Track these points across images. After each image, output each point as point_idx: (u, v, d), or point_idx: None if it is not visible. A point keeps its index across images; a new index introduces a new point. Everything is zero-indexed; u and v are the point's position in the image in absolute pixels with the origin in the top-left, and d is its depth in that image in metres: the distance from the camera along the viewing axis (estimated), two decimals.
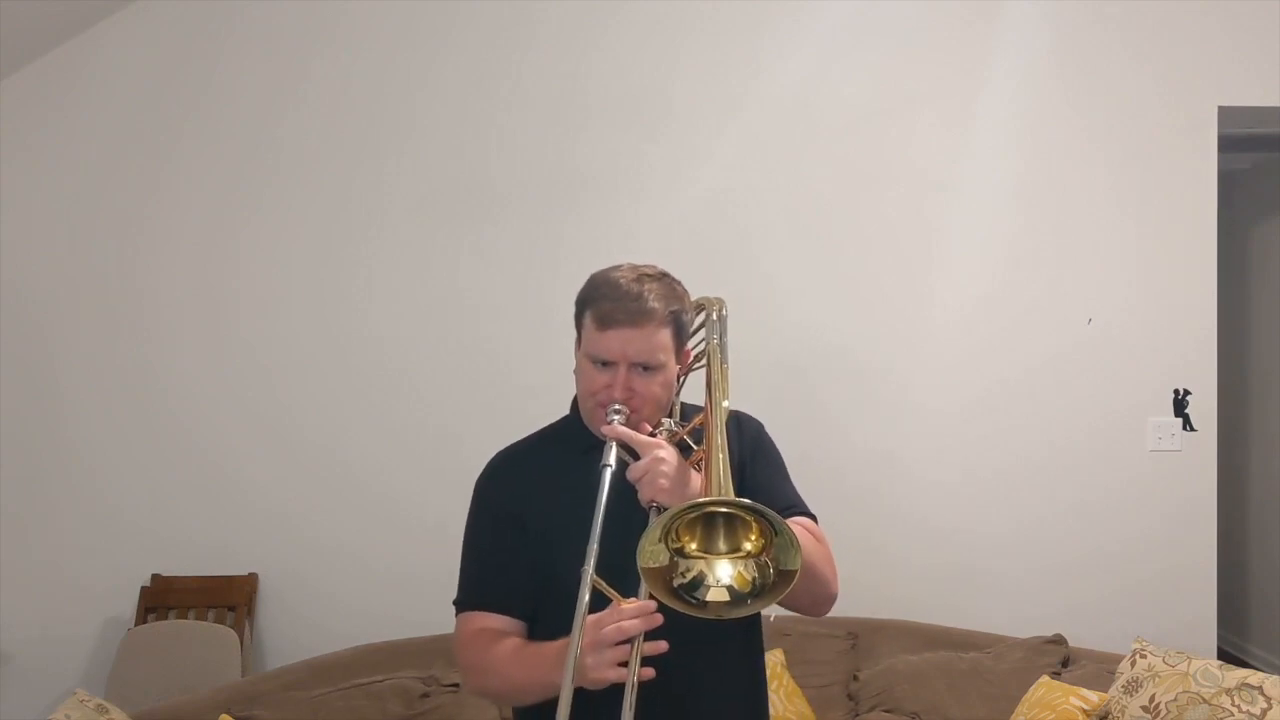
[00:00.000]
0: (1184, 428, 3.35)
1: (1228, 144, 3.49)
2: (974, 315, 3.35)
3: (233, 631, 3.08)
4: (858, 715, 2.92)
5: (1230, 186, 3.93)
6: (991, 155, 3.35)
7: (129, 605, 3.21)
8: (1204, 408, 3.35)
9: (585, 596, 1.27)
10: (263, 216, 3.30)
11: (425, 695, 2.76)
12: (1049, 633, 3.04)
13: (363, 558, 3.27)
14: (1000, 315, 3.35)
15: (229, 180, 3.29)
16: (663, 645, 1.27)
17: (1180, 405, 3.35)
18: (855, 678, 3.01)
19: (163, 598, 3.21)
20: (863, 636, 3.08)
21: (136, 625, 3.15)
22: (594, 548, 1.29)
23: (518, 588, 1.49)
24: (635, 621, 1.26)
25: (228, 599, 3.21)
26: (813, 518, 1.55)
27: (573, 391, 1.62)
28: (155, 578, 3.23)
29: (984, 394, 3.34)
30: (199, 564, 3.24)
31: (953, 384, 3.34)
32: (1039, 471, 3.34)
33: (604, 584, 1.28)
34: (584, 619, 1.26)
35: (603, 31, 3.33)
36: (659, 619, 1.26)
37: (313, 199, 3.30)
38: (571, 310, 1.55)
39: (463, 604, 1.54)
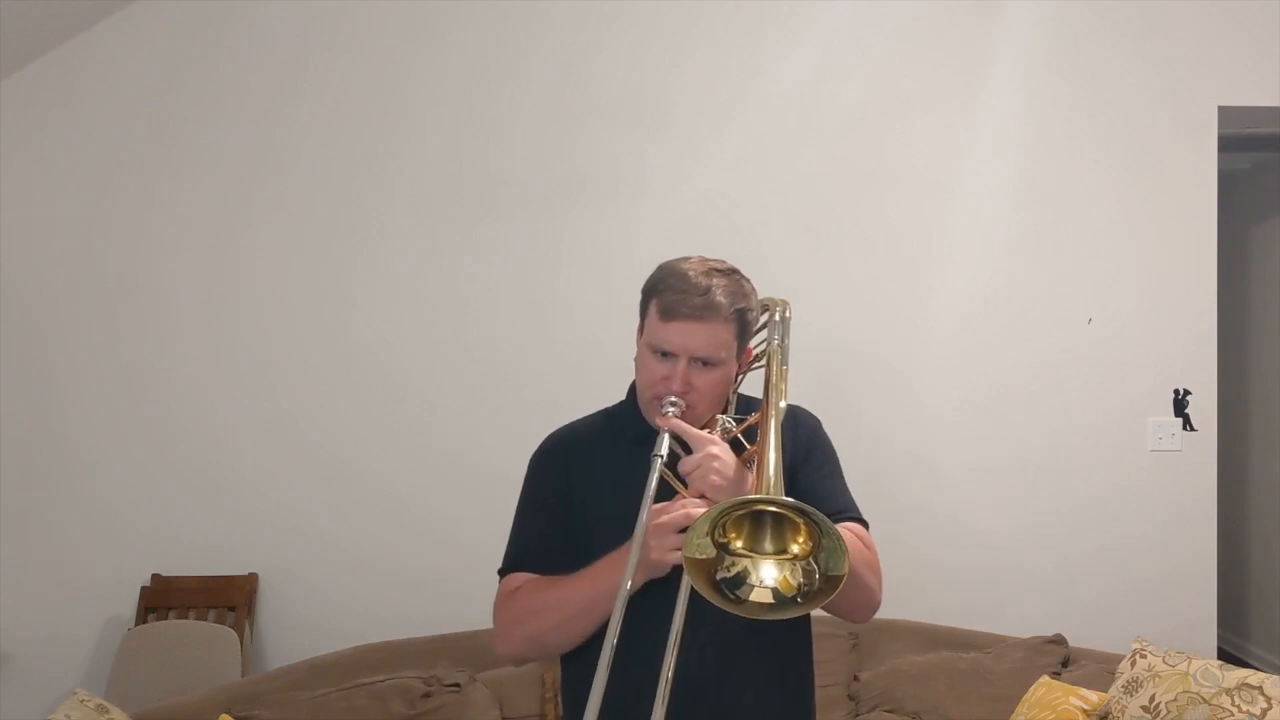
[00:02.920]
0: (1184, 428, 3.35)
1: (1228, 144, 3.49)
2: (973, 315, 3.35)
3: (233, 631, 3.08)
4: (859, 715, 2.92)
5: (1230, 186, 3.94)
6: (991, 155, 3.35)
7: (129, 605, 3.21)
8: (1204, 408, 3.36)
9: (653, 482, 1.31)
10: (263, 216, 3.30)
11: (427, 695, 2.76)
12: (1049, 633, 3.04)
13: (363, 558, 3.27)
14: (1000, 315, 3.35)
15: (229, 180, 3.29)
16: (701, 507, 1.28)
17: (1180, 405, 3.35)
18: (856, 678, 3.01)
19: (163, 598, 3.20)
20: (864, 637, 3.08)
21: (136, 625, 3.15)
22: (638, 540, 1.29)
23: (561, 558, 1.49)
24: (700, 509, 1.26)
25: (228, 599, 3.21)
26: (864, 523, 1.53)
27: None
28: (155, 578, 3.23)
29: (983, 394, 3.34)
30: (199, 564, 3.24)
31: (952, 384, 3.35)
32: (1039, 471, 3.34)
33: (671, 475, 1.31)
34: (650, 503, 1.30)
35: (603, 32, 3.33)
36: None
37: (313, 199, 3.30)
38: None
39: (506, 568, 1.55)
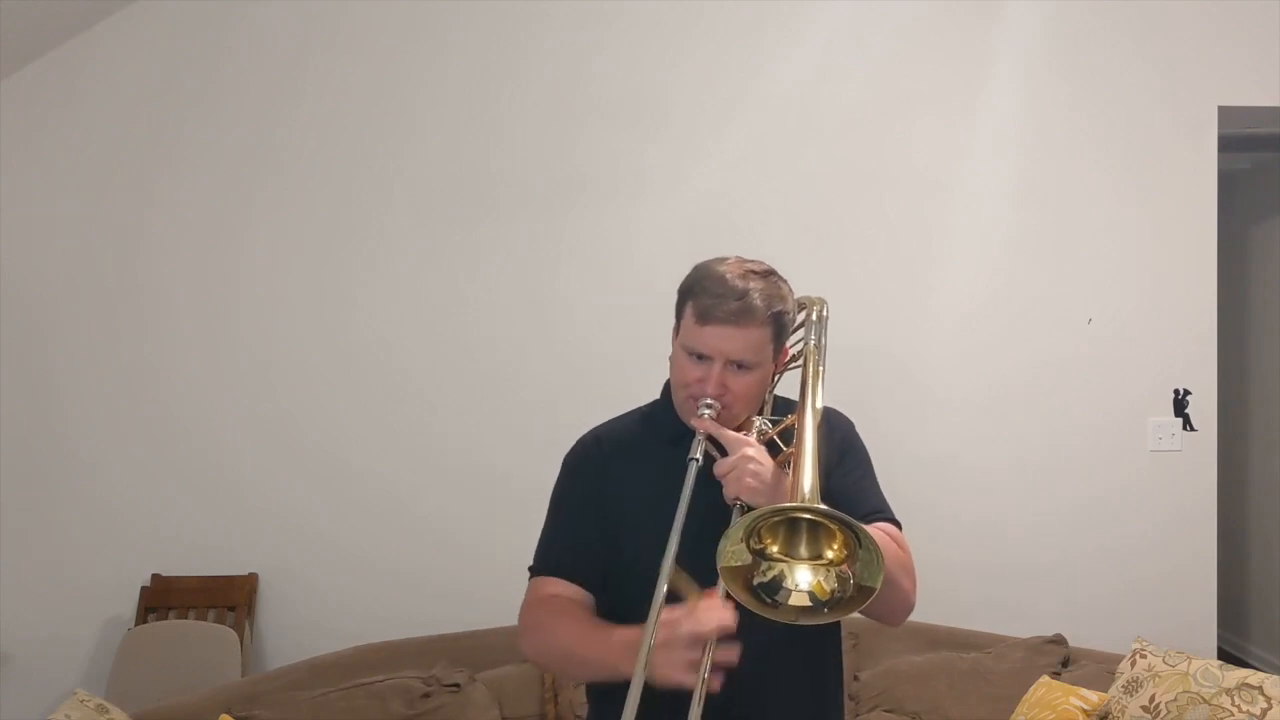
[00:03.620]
0: (1184, 428, 3.35)
1: (1228, 144, 3.49)
2: (974, 316, 3.35)
3: (233, 631, 3.08)
4: (859, 715, 2.92)
5: (1230, 186, 3.94)
6: (991, 155, 3.35)
7: (129, 605, 3.21)
8: (1204, 408, 3.36)
9: (662, 589, 1.23)
10: (263, 216, 3.30)
11: (426, 695, 2.76)
12: (1049, 633, 3.04)
13: (363, 557, 3.27)
14: (1000, 315, 3.35)
15: (229, 180, 3.29)
16: (734, 655, 1.23)
17: (1180, 405, 3.35)
18: (856, 678, 3.01)
19: (163, 598, 3.20)
20: (863, 637, 3.08)
21: (136, 625, 3.15)
22: (674, 543, 1.26)
23: (590, 561, 1.49)
24: (712, 626, 1.22)
25: (228, 599, 3.21)
26: (897, 524, 1.53)
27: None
28: (155, 578, 3.23)
29: (983, 394, 3.34)
30: (199, 564, 3.24)
31: (952, 384, 3.35)
32: (1039, 471, 3.34)
33: (685, 580, 1.26)
34: (659, 613, 1.22)
35: (604, 32, 3.33)
36: (732, 621, 1.22)
37: (313, 199, 3.30)
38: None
39: (536, 569, 1.55)
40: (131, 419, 3.26)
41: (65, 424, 3.25)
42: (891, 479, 3.48)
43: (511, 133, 3.32)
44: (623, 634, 1.32)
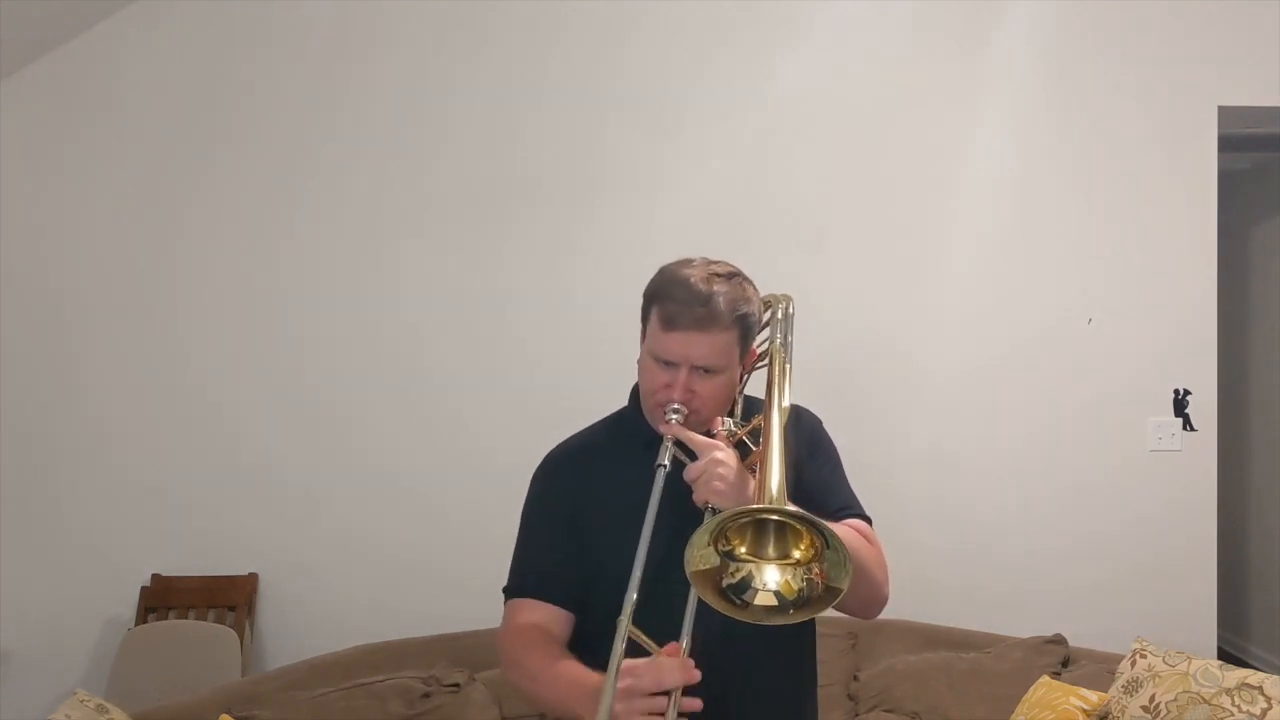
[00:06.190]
0: (1184, 428, 3.35)
1: (1228, 144, 3.49)
2: (973, 316, 3.35)
3: (233, 631, 3.08)
4: (857, 715, 2.92)
5: (1230, 186, 3.93)
6: (991, 155, 3.35)
7: (129, 605, 3.21)
8: (1204, 408, 3.35)
9: (620, 645, 1.21)
10: (285, 217, 3.29)
11: (426, 695, 2.76)
12: (1049, 632, 3.04)
13: (363, 557, 3.27)
14: (999, 315, 3.35)
15: (260, 179, 3.28)
16: (698, 704, 1.22)
17: (1180, 405, 3.35)
18: (855, 678, 3.01)
19: (163, 598, 3.20)
20: (862, 636, 3.08)
21: (136, 625, 3.15)
22: (632, 596, 1.25)
23: (566, 579, 1.48)
24: (674, 674, 1.21)
25: (228, 599, 3.21)
26: (868, 520, 1.52)
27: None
28: (155, 578, 3.23)
29: (983, 394, 3.34)
30: (199, 564, 3.24)
31: (952, 384, 3.34)
32: (1039, 471, 3.34)
33: (641, 635, 1.24)
34: (619, 667, 1.20)
35: (629, 32, 3.33)
36: (697, 675, 1.21)
37: (342, 198, 3.29)
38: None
39: (511, 591, 1.53)
40: (132, 419, 3.25)
41: (65, 424, 3.25)
42: (892, 478, 3.49)
43: (539, 131, 3.31)
44: (584, 678, 1.31)
